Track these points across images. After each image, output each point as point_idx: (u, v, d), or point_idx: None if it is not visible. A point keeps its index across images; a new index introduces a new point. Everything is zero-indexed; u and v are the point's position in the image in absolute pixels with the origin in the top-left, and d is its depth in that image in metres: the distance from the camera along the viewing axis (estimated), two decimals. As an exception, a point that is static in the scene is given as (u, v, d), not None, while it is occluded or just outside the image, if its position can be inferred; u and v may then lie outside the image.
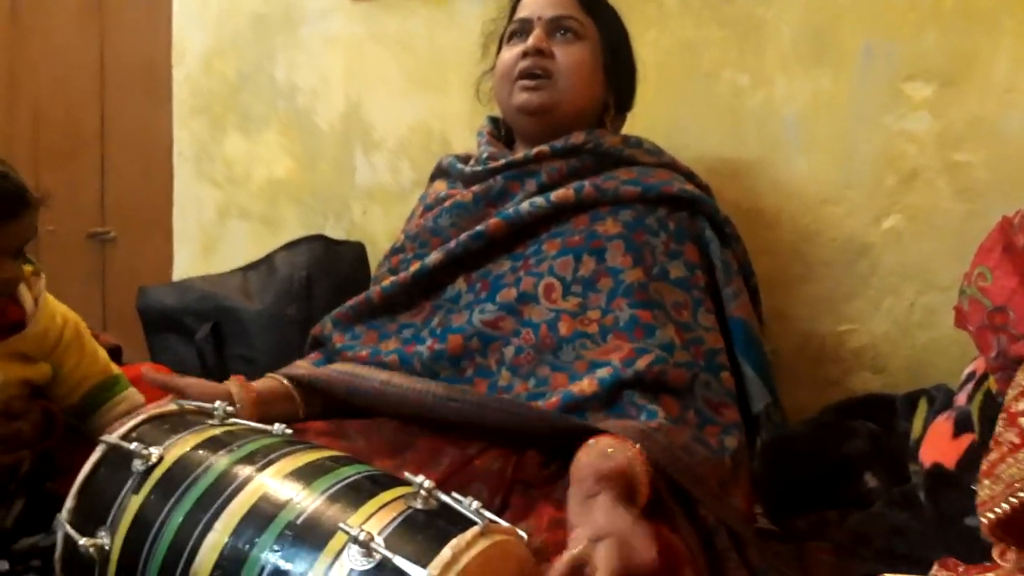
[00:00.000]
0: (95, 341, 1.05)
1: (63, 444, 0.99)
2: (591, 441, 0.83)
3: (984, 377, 0.93)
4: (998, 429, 0.70)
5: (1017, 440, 0.66)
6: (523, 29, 1.13)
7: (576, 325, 1.00)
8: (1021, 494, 0.64)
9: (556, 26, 1.11)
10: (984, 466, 0.69)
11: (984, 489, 0.67)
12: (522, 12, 1.14)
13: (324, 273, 1.51)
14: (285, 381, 1.06)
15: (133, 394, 1.04)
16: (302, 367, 1.10)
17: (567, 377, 0.97)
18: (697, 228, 1.10)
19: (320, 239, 1.60)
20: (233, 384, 1.01)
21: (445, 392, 0.96)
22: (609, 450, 0.81)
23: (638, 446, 0.82)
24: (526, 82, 1.10)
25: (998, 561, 0.69)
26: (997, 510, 0.65)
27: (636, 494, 0.80)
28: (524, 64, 1.10)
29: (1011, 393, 0.72)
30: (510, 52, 1.13)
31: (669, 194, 1.08)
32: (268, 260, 1.58)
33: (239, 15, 1.73)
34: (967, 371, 0.99)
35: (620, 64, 1.18)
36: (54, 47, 2.03)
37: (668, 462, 0.86)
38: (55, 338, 0.98)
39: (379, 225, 1.63)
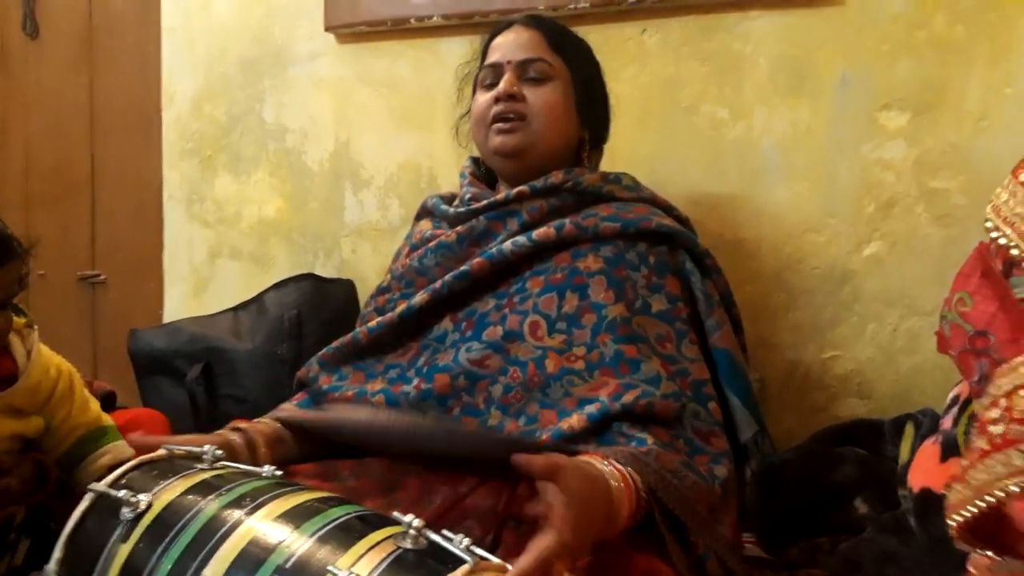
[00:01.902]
0: (87, 391, 1.04)
1: (57, 496, 0.98)
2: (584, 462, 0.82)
3: (968, 401, 0.93)
4: (970, 437, 0.71)
5: (987, 447, 0.67)
6: (495, 74, 1.15)
7: (563, 362, 1.01)
8: (988, 498, 0.65)
9: (526, 69, 1.13)
10: (955, 471, 0.70)
11: (954, 493, 0.68)
12: (492, 56, 1.16)
13: (314, 311, 1.52)
14: (275, 424, 1.06)
15: (120, 446, 1.02)
16: (287, 410, 1.10)
17: (556, 414, 0.97)
18: (677, 261, 1.11)
19: (310, 278, 1.60)
20: (232, 432, 0.99)
21: (404, 427, 0.97)
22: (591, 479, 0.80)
23: (621, 464, 0.82)
24: (500, 125, 1.12)
25: (971, 570, 0.70)
26: (965, 513, 0.66)
27: (609, 502, 0.79)
28: (497, 109, 1.12)
29: (984, 402, 0.73)
30: (484, 97, 1.15)
31: (648, 229, 1.09)
32: (258, 300, 1.58)
33: (228, 58, 1.76)
34: (951, 395, 1.00)
35: (593, 100, 1.19)
36: (44, 92, 2.05)
37: (659, 486, 0.85)
38: (48, 391, 0.97)
39: (368, 262, 1.64)
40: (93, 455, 1.00)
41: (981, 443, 0.69)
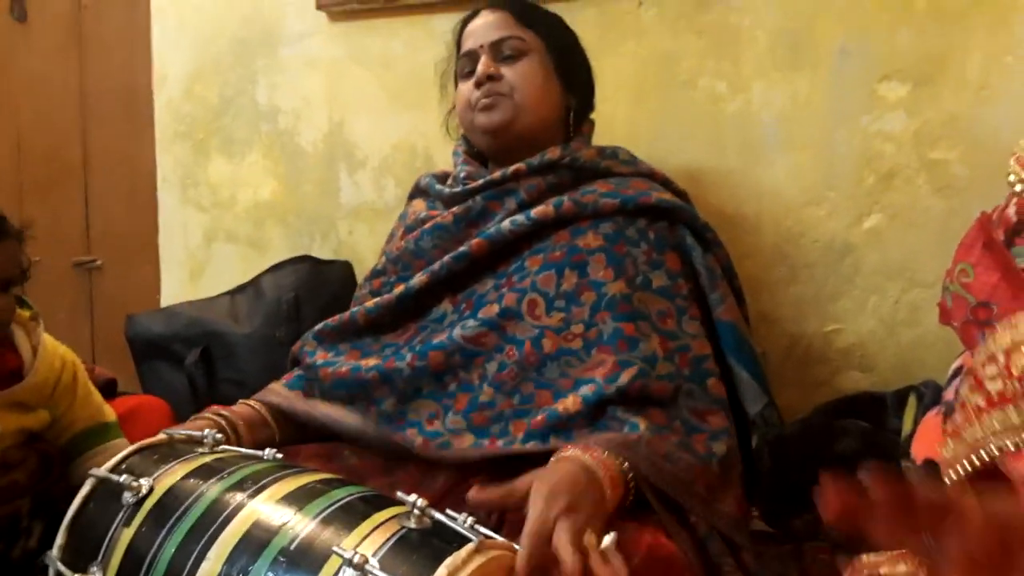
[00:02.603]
0: (90, 384, 1.04)
1: (61, 484, 0.98)
2: (552, 459, 0.85)
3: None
4: (964, 392, 0.71)
5: (983, 403, 0.67)
6: (471, 61, 1.15)
7: (560, 342, 1.00)
8: (983, 454, 0.64)
9: (500, 48, 1.13)
10: (948, 428, 0.70)
11: (948, 450, 0.68)
12: (466, 45, 1.17)
13: (312, 294, 1.51)
14: (260, 408, 1.06)
15: (118, 444, 1.02)
16: (278, 393, 1.10)
17: (551, 395, 0.97)
18: (678, 236, 1.10)
19: (306, 260, 1.59)
20: (214, 417, 1.00)
21: (398, 441, 0.99)
22: (557, 462, 0.83)
23: (607, 452, 0.84)
24: (484, 101, 1.11)
25: None
26: (960, 470, 0.66)
27: (596, 494, 0.80)
28: (478, 93, 1.12)
29: (979, 358, 0.72)
30: (465, 85, 1.15)
31: (648, 204, 1.08)
32: (255, 283, 1.57)
33: (219, 39, 1.73)
34: (954, 366, 0.99)
35: (573, 67, 1.18)
36: (34, 77, 2.03)
37: (651, 472, 0.86)
38: (53, 385, 0.97)
39: (365, 243, 1.63)
40: (91, 452, 1.01)
41: (977, 400, 0.69)
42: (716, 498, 0.91)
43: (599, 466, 0.82)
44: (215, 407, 1.04)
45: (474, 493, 0.78)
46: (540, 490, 0.76)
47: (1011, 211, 0.89)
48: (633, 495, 0.85)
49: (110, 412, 1.06)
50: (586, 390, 0.95)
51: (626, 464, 0.84)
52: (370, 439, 1.02)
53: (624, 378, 0.95)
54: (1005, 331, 0.71)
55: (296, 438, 1.05)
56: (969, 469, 0.65)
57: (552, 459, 0.85)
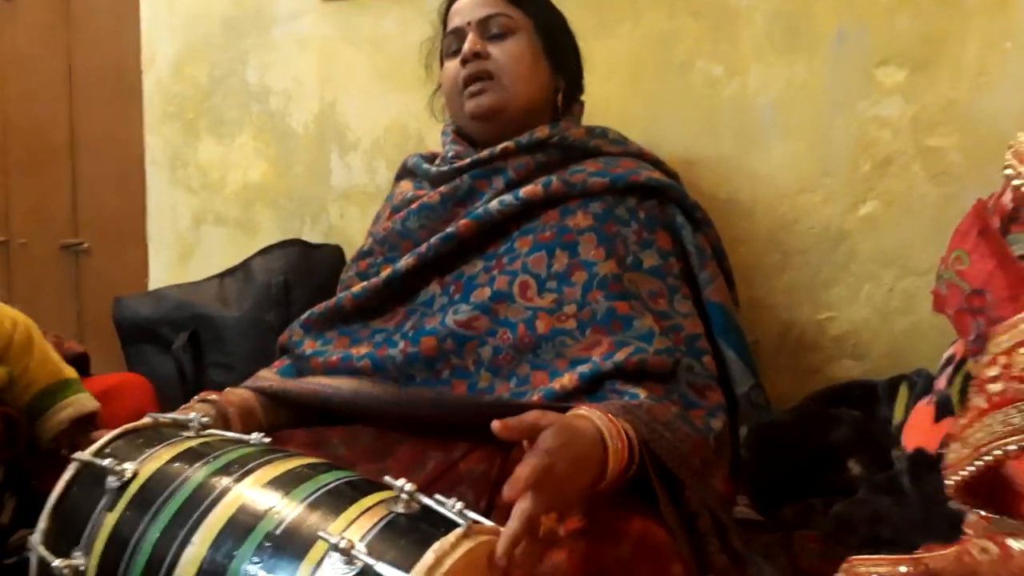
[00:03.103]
0: (48, 345, 1.03)
1: (30, 453, 0.97)
2: (571, 411, 0.80)
3: (963, 361, 0.93)
4: (968, 395, 0.71)
5: (985, 405, 0.67)
6: (458, 39, 1.13)
7: (554, 322, 0.99)
8: (987, 457, 0.64)
9: (487, 26, 1.11)
10: (953, 430, 0.70)
11: (951, 453, 0.68)
12: (452, 22, 1.15)
13: (301, 278, 1.50)
14: (249, 395, 1.04)
15: (83, 398, 1.02)
16: (269, 378, 1.09)
17: (548, 375, 0.96)
18: (668, 215, 1.09)
19: (297, 243, 1.58)
20: (202, 404, 0.98)
21: (391, 396, 0.95)
22: (576, 417, 0.78)
23: (614, 416, 0.80)
24: (472, 88, 1.10)
25: (966, 531, 0.70)
26: (963, 472, 0.66)
27: (601, 453, 0.77)
28: (465, 72, 1.10)
29: (983, 360, 0.72)
30: (451, 64, 1.13)
31: (637, 183, 1.07)
32: (244, 266, 1.56)
33: (209, 18, 1.71)
34: (946, 355, 0.99)
35: (561, 47, 1.17)
36: (21, 56, 2.00)
37: (651, 438, 0.84)
38: (5, 342, 0.96)
39: (356, 227, 1.61)
40: (54, 408, 1.00)
41: (979, 401, 0.69)
42: (709, 472, 0.90)
43: (613, 436, 0.77)
44: (204, 393, 1.02)
45: (499, 424, 0.72)
46: (550, 445, 0.70)
47: (1007, 199, 0.88)
48: (636, 467, 0.82)
49: (70, 370, 1.05)
50: (583, 368, 0.94)
51: (633, 432, 0.80)
52: (370, 401, 0.98)
53: (621, 355, 0.94)
54: (1006, 331, 0.70)
55: (285, 424, 1.04)
56: (974, 471, 0.65)
57: (572, 412, 0.80)
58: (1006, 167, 0.83)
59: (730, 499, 0.96)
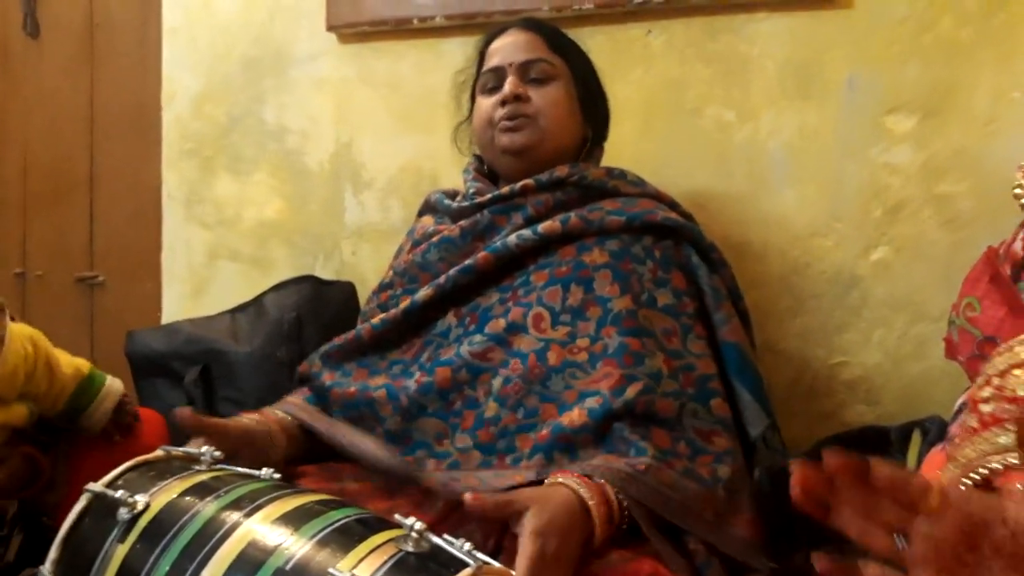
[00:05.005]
0: (54, 351, 1.05)
1: (49, 491, 0.97)
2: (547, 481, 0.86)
3: (977, 407, 0.92)
4: (963, 417, 0.72)
5: (976, 425, 0.68)
6: (497, 77, 1.15)
7: (565, 354, 0.99)
8: (974, 475, 0.65)
9: (528, 70, 1.13)
10: (948, 450, 0.71)
11: (946, 472, 0.69)
12: (492, 61, 1.16)
13: (314, 314, 1.50)
14: (287, 418, 1.05)
15: (111, 385, 1.09)
16: (298, 405, 1.09)
17: (556, 408, 0.96)
18: (683, 256, 1.10)
19: (309, 280, 1.59)
20: (255, 421, 1.00)
21: (409, 472, 0.97)
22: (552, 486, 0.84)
23: (607, 484, 0.84)
24: (507, 123, 1.11)
25: None
26: None
27: (584, 519, 0.81)
28: (503, 111, 1.12)
29: (978, 381, 0.74)
30: (487, 101, 1.15)
31: (654, 223, 1.09)
32: (257, 302, 1.57)
33: (229, 58, 1.75)
34: (959, 402, 0.98)
35: (594, 97, 1.20)
36: (44, 92, 2.04)
37: (657, 503, 0.86)
38: (26, 372, 0.97)
39: (369, 264, 1.63)
40: (93, 405, 1.05)
41: (972, 422, 0.70)
42: (725, 522, 0.90)
43: (595, 502, 0.82)
44: (248, 413, 1.04)
45: (471, 498, 0.78)
46: (536, 526, 0.76)
47: (1018, 246, 0.89)
48: (627, 523, 0.85)
49: (81, 360, 1.09)
50: (592, 403, 0.94)
51: (625, 501, 0.85)
52: (385, 467, 0.99)
53: (631, 392, 0.94)
54: (1002, 354, 0.72)
55: (309, 453, 1.04)
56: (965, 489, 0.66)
57: (548, 481, 0.85)
58: (1016, 186, 0.85)
59: (759, 542, 0.94)
